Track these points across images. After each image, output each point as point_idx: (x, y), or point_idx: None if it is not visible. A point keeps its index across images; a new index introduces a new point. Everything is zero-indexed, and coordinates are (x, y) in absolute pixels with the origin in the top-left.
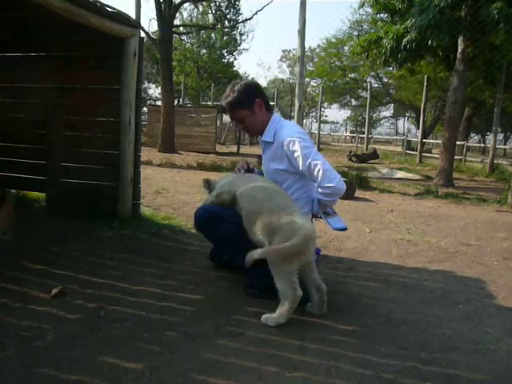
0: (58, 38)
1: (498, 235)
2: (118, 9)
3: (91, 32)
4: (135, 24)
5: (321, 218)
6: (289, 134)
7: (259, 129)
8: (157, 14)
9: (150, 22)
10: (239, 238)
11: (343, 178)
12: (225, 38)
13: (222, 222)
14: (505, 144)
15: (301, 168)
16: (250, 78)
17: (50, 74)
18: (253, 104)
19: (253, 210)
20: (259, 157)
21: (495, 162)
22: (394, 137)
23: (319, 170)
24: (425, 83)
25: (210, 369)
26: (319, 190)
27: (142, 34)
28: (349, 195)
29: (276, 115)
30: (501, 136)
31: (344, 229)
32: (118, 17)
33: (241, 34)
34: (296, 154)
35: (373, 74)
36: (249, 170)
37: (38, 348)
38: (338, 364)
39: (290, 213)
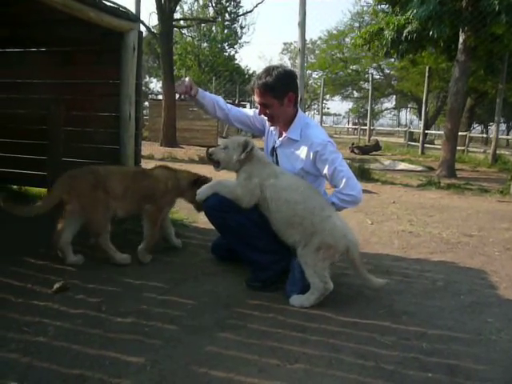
0: (57, 33)
1: (500, 226)
2: (117, 2)
3: (90, 27)
4: (134, 18)
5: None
6: (320, 137)
7: (281, 121)
8: (157, 8)
9: (150, 16)
10: (246, 229)
11: None
12: (225, 31)
13: (231, 212)
14: (507, 134)
15: (325, 172)
16: (251, 71)
17: (49, 69)
18: (285, 96)
19: (287, 213)
20: (273, 149)
21: (498, 152)
22: (397, 128)
23: (343, 177)
24: (426, 74)
25: (211, 362)
26: (338, 195)
27: (142, 28)
28: None
29: (301, 112)
30: (503, 126)
31: None
32: (117, 11)
33: (241, 27)
34: (324, 158)
35: (374, 65)
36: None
37: (39, 343)
38: (339, 355)
39: (328, 214)
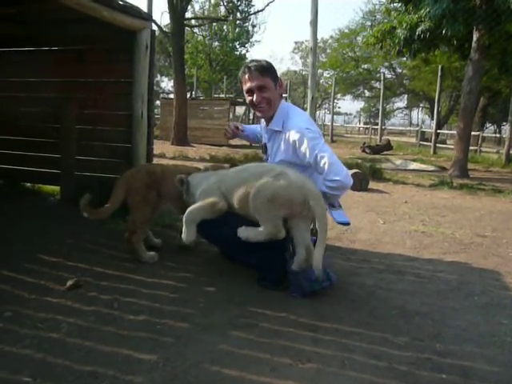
0: (70, 32)
1: None
2: (130, 2)
3: (103, 25)
4: (146, 17)
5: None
6: (296, 126)
7: (273, 106)
8: (168, 7)
9: (161, 15)
10: (238, 237)
11: (356, 170)
12: (237, 30)
13: (219, 225)
14: None
15: (307, 160)
16: None
17: (62, 67)
18: (278, 80)
19: (240, 187)
20: (265, 146)
21: (511, 152)
22: (408, 128)
23: (325, 163)
24: (439, 73)
25: (223, 360)
26: (325, 182)
27: (154, 27)
28: (362, 187)
29: (284, 102)
30: None
31: (347, 223)
32: (130, 10)
33: (253, 26)
34: (303, 147)
35: (386, 64)
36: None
37: (52, 339)
38: (352, 356)
39: (280, 172)
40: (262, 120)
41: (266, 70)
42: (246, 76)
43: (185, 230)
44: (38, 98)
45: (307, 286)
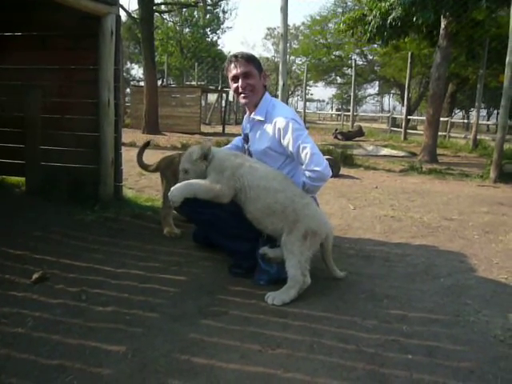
0: (34, 18)
1: (479, 209)
2: None
3: (67, 11)
4: (111, 1)
5: None
6: (282, 115)
7: (258, 94)
8: None
9: (129, 0)
10: (224, 220)
11: (328, 156)
12: (207, 16)
13: (205, 206)
14: (488, 120)
15: (290, 149)
16: None
17: (26, 54)
18: (261, 71)
19: (268, 201)
20: (246, 136)
21: (478, 137)
22: (380, 114)
23: (307, 154)
24: (409, 60)
25: (192, 349)
26: (306, 173)
27: (122, 13)
28: (334, 173)
29: (267, 94)
30: (484, 112)
31: None
32: None
33: (224, 12)
34: (287, 136)
35: (357, 51)
36: None
37: (17, 334)
38: (321, 340)
39: (308, 201)
40: (247, 113)
41: (251, 58)
42: (232, 64)
43: (178, 190)
44: (1, 86)
45: (274, 273)
